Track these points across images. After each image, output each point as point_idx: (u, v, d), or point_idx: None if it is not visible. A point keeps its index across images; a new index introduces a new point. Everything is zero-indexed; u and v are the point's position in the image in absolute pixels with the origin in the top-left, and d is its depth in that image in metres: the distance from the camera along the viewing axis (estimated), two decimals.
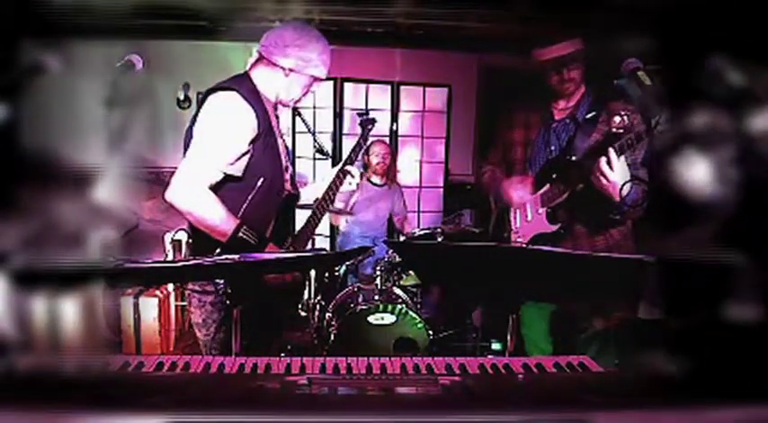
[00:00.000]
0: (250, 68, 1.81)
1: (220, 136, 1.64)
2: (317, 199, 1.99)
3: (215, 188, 1.64)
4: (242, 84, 1.71)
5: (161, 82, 4.26)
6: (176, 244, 3.68)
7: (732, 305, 0.92)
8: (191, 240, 1.85)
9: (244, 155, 1.67)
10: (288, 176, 1.89)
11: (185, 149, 1.69)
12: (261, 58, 1.78)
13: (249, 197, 1.70)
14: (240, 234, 1.63)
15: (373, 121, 2.06)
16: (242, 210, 1.69)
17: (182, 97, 4.40)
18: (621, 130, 1.70)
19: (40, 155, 0.92)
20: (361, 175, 3.67)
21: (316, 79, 1.82)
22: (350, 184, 1.98)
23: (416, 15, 3.83)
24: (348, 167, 1.96)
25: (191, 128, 1.70)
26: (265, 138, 1.71)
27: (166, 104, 4.41)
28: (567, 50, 1.92)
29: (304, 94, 1.85)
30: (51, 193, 0.93)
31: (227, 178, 1.66)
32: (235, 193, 1.69)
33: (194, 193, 1.60)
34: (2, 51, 0.90)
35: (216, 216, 1.62)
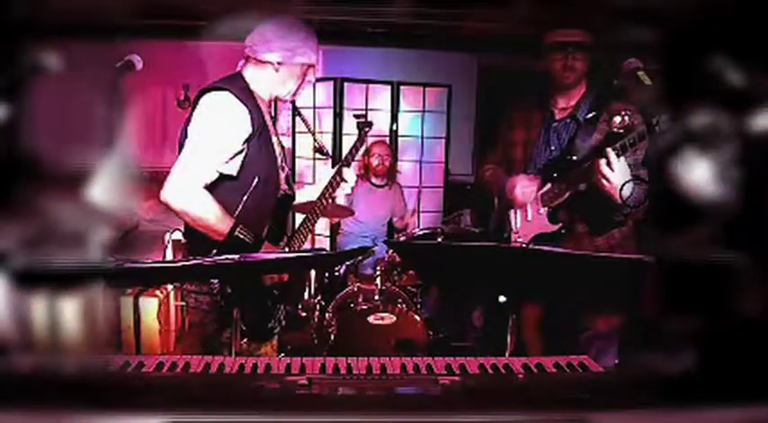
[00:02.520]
0: (241, 68, 1.81)
1: (214, 135, 1.64)
2: (312, 201, 1.99)
3: (210, 188, 1.64)
4: (234, 83, 1.72)
5: (161, 82, 4.26)
6: (176, 244, 3.67)
7: (732, 305, 0.92)
8: (185, 240, 1.85)
9: (238, 154, 1.67)
10: (283, 176, 1.88)
11: (180, 150, 1.69)
12: (248, 58, 1.79)
13: (244, 197, 1.70)
14: (236, 233, 1.63)
15: (370, 123, 2.06)
16: (238, 209, 1.69)
17: (182, 97, 4.40)
18: (622, 131, 1.71)
19: (40, 155, 0.92)
20: (361, 176, 3.68)
21: (308, 67, 1.81)
22: (346, 187, 1.97)
23: (416, 15, 3.83)
24: (344, 170, 1.96)
25: (185, 128, 1.70)
26: (260, 137, 1.72)
27: (166, 104, 4.41)
28: (576, 38, 1.95)
29: (300, 86, 1.84)
30: (51, 193, 0.93)
31: (223, 178, 1.66)
32: (230, 193, 1.69)
33: (189, 193, 1.60)
34: (2, 51, 0.90)
35: (212, 215, 1.62)
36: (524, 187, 2.05)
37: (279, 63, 1.75)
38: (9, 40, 0.90)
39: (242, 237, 1.64)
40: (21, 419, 0.79)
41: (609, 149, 1.71)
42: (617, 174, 1.72)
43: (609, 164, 1.71)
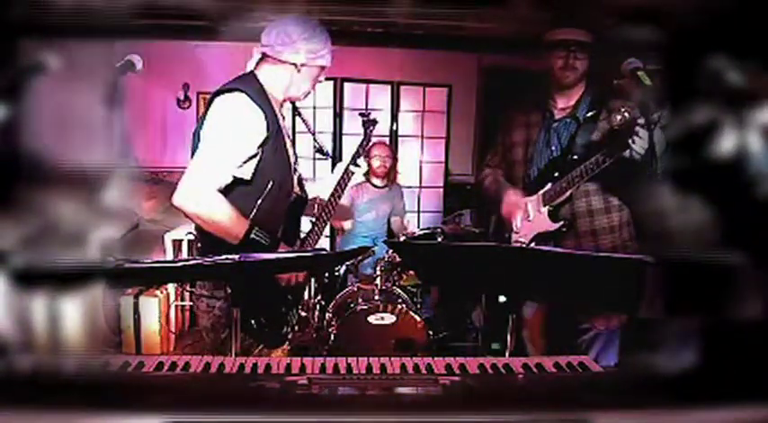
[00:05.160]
0: (254, 68, 1.79)
1: (229, 138, 1.61)
2: (323, 201, 2.00)
3: (224, 191, 1.61)
4: (249, 84, 1.68)
5: (161, 82, 4.27)
6: (176, 244, 3.68)
7: (732, 305, 0.92)
8: (199, 244, 1.82)
9: (252, 157, 1.65)
10: (296, 178, 1.88)
11: (193, 153, 1.67)
12: (265, 58, 1.75)
13: (259, 200, 1.69)
14: (252, 235, 1.62)
15: (375, 122, 2.07)
16: (252, 213, 1.68)
17: (182, 97, 4.40)
18: (623, 127, 1.70)
19: (40, 155, 0.92)
20: (363, 176, 3.68)
21: (322, 68, 1.81)
22: (357, 177, 2.01)
23: (416, 15, 3.83)
24: (352, 168, 1.97)
25: (198, 131, 1.67)
26: (274, 139, 1.69)
27: (166, 104, 4.41)
28: (578, 37, 1.94)
29: (313, 86, 1.84)
30: (51, 193, 0.93)
31: (237, 181, 1.64)
32: (244, 196, 1.66)
33: (203, 197, 1.57)
34: (2, 51, 0.90)
35: (226, 219, 1.59)
36: (512, 205, 2.07)
37: (302, 64, 1.73)
38: (9, 40, 0.90)
39: (258, 239, 1.63)
40: (21, 419, 0.79)
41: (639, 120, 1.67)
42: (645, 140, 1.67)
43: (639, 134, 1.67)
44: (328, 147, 4.28)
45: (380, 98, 4.53)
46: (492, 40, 4.14)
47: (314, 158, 4.37)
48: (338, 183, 1.97)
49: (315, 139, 2.17)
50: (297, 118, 2.23)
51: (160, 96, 4.36)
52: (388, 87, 4.52)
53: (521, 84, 2.23)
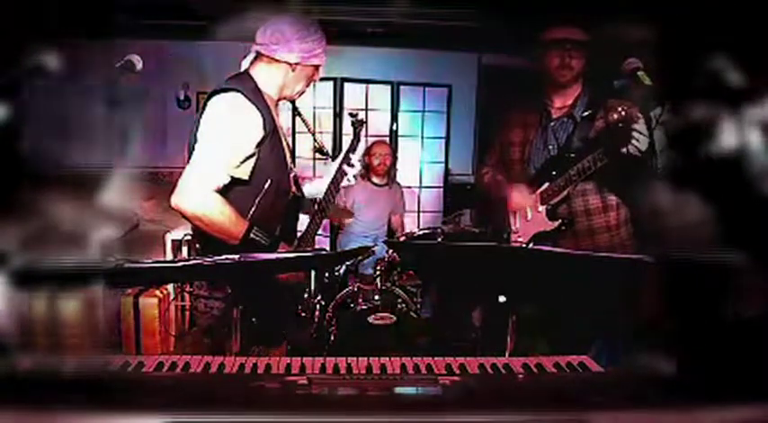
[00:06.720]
0: (249, 67, 1.78)
1: (226, 138, 1.60)
2: (317, 199, 1.99)
3: (221, 192, 1.61)
4: (244, 84, 1.68)
5: (161, 82, 4.26)
6: (176, 244, 3.67)
7: (732, 305, 0.92)
8: (198, 245, 1.82)
9: (250, 157, 1.65)
10: (292, 176, 1.88)
11: (190, 153, 1.66)
12: (260, 56, 1.75)
13: (257, 200, 1.68)
14: (251, 236, 1.61)
15: (361, 122, 2.09)
16: (250, 213, 1.67)
17: (182, 97, 4.40)
18: (621, 125, 1.71)
19: (41, 155, 0.92)
20: (363, 176, 3.68)
21: (317, 67, 1.80)
22: (348, 180, 1.99)
23: (416, 15, 3.83)
24: (345, 167, 1.97)
25: (195, 131, 1.67)
26: (271, 138, 1.69)
27: (166, 104, 4.41)
28: (575, 36, 1.95)
29: (307, 85, 1.84)
30: (51, 194, 0.93)
31: (235, 181, 1.64)
32: (242, 196, 1.66)
33: (202, 198, 1.56)
34: (2, 51, 0.90)
35: (225, 219, 1.58)
36: (520, 198, 2.08)
37: (296, 64, 1.73)
38: (9, 40, 0.90)
39: (257, 239, 1.62)
40: (21, 419, 0.79)
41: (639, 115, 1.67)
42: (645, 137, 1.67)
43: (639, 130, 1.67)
44: (328, 147, 4.29)
45: (380, 98, 4.53)
46: (492, 40, 4.14)
47: (314, 158, 4.37)
48: (331, 182, 1.97)
49: (315, 139, 2.17)
50: (297, 118, 2.24)
51: (160, 96, 4.35)
52: (388, 87, 4.52)
53: (521, 83, 2.23)
